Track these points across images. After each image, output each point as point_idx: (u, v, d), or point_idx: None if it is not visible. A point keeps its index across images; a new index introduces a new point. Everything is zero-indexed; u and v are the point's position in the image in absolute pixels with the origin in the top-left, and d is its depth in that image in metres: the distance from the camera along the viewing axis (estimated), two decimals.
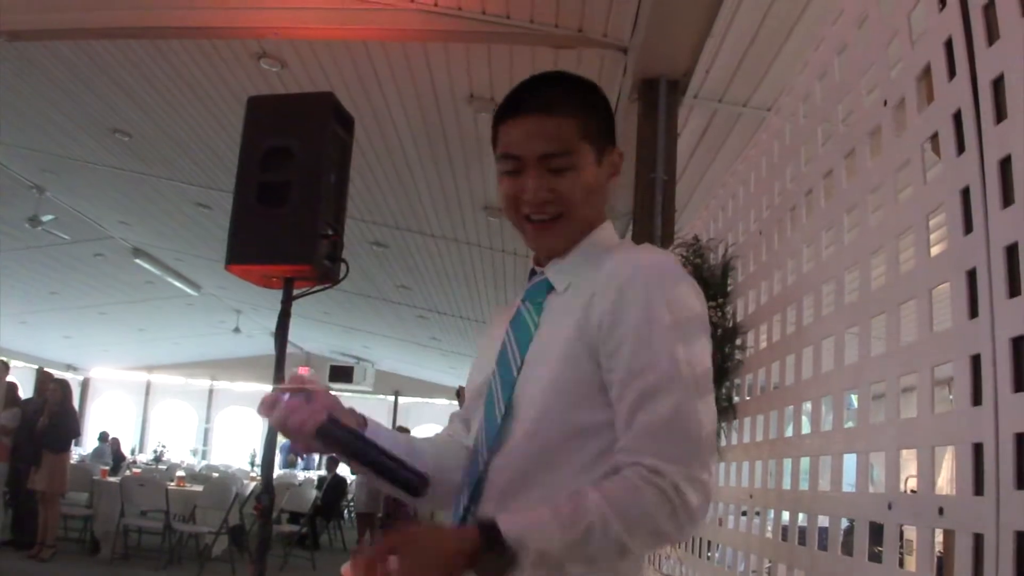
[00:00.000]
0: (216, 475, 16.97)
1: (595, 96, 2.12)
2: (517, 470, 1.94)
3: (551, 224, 2.06)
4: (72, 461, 13.18)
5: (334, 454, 2.11)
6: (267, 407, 1.97)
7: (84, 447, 23.23)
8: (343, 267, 4.72)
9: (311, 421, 1.91)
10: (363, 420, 2.10)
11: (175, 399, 33.32)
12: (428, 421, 30.81)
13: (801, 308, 3.10)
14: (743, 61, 6.11)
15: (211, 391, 33.17)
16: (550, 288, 2.12)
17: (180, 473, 15.47)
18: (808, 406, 2.99)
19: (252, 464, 23.42)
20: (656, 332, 1.83)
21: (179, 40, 7.35)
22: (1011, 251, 1.75)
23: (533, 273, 2.23)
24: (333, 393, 2.04)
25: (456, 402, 8.94)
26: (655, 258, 1.98)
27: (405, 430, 16.77)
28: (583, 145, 2.01)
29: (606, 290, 1.90)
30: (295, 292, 4.70)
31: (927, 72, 2.16)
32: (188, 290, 19.47)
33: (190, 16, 6.85)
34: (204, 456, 30.82)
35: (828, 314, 2.80)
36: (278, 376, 4.68)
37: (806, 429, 3.05)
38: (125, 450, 23.60)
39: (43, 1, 7.00)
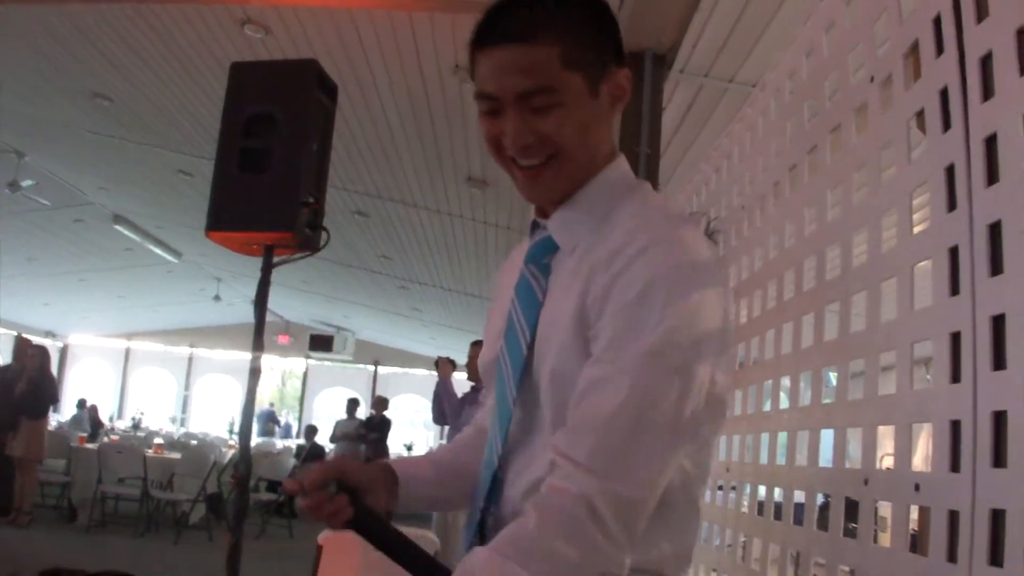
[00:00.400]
0: (194, 443, 16.97)
1: (585, 9, 1.77)
2: (544, 469, 1.65)
3: (542, 169, 1.76)
4: (50, 428, 13.17)
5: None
6: (293, 492, 1.83)
7: (62, 414, 23.18)
8: (324, 235, 4.72)
9: (337, 519, 1.79)
10: (393, 476, 1.97)
11: (154, 366, 33.34)
12: (407, 391, 30.97)
13: (782, 283, 3.10)
14: (730, 37, 6.10)
15: (190, 359, 33.19)
16: (556, 247, 1.84)
17: (158, 440, 15.50)
18: (786, 381, 2.99)
19: (230, 432, 23.42)
20: (638, 334, 1.55)
21: (162, 5, 7.30)
22: (994, 229, 1.74)
23: (536, 226, 1.93)
24: (356, 462, 1.91)
25: (435, 372, 8.93)
26: (671, 242, 1.64)
27: (384, 400, 16.88)
28: (569, 75, 1.69)
29: (608, 267, 1.63)
30: (275, 260, 4.70)
31: (914, 49, 2.16)
32: (168, 257, 19.46)
33: None
34: (183, 424, 30.85)
35: (809, 290, 2.80)
36: (257, 343, 4.67)
37: (784, 404, 3.05)
38: (103, 417, 23.56)
39: None
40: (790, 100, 3.28)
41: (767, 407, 3.23)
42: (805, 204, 2.94)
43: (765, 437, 3.18)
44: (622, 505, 1.48)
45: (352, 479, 1.84)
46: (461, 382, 8.75)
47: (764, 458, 3.18)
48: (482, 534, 1.80)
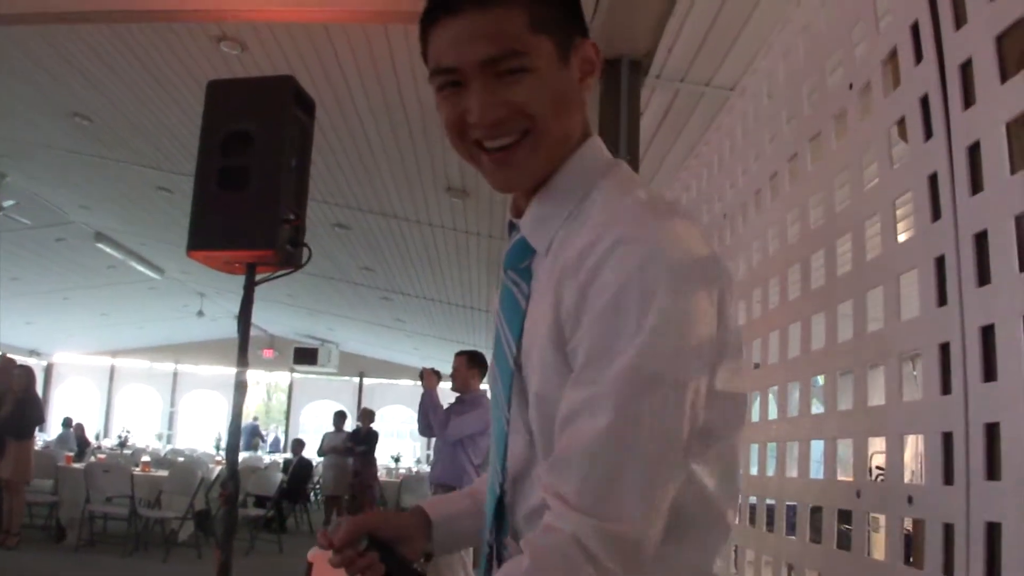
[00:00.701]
0: (181, 460, 16.92)
1: None
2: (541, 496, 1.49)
3: (516, 149, 1.57)
4: (36, 448, 13.12)
5: None
6: (324, 548, 1.74)
7: (48, 433, 23.10)
8: (305, 252, 4.70)
9: (370, 574, 1.70)
10: (427, 519, 1.88)
11: (139, 383, 33.25)
12: (393, 402, 30.95)
13: (767, 292, 3.09)
14: (705, 41, 6.09)
15: (175, 375, 33.08)
16: (533, 249, 1.65)
17: (145, 458, 15.43)
18: (775, 390, 2.98)
19: (217, 448, 23.36)
20: (616, 348, 1.38)
21: (139, 24, 7.29)
22: (980, 238, 1.73)
23: (512, 228, 1.73)
24: (380, 510, 1.89)
25: (420, 383, 8.88)
26: (644, 237, 1.42)
27: (371, 413, 16.82)
28: (538, 39, 1.53)
29: (577, 271, 1.44)
30: (258, 277, 4.68)
31: (893, 56, 2.15)
32: (151, 274, 19.42)
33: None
34: (169, 440, 30.79)
35: (795, 299, 2.78)
36: (241, 360, 4.66)
37: (773, 414, 3.04)
38: (90, 436, 23.46)
39: None
40: (768, 107, 3.27)
41: (755, 418, 3.21)
42: (787, 211, 2.92)
43: (754, 448, 3.15)
44: (618, 543, 1.35)
45: (384, 533, 1.77)
46: (447, 392, 8.71)
47: (754, 469, 3.16)
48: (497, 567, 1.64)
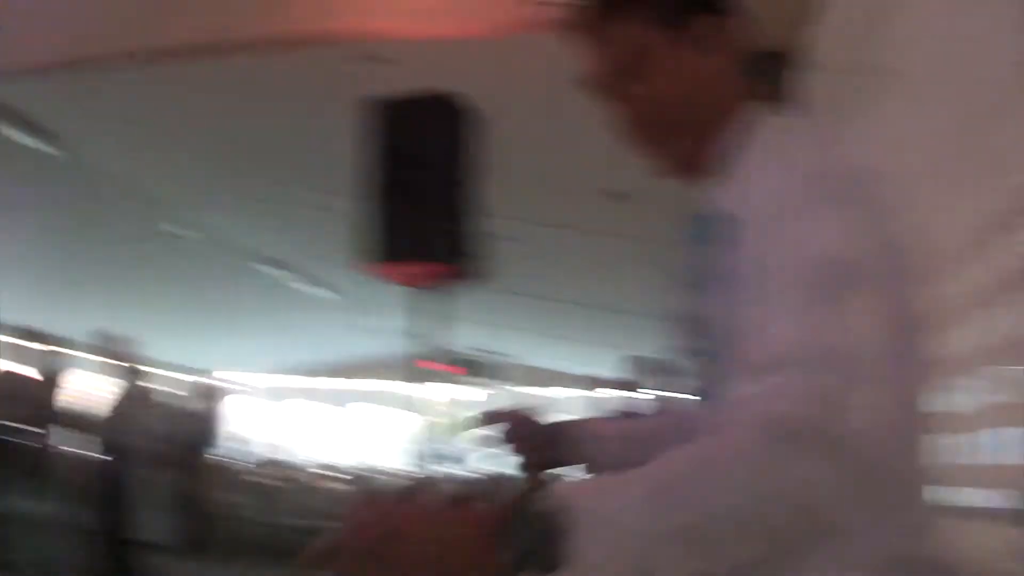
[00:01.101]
0: (359, 474, 17.20)
1: None
2: None
3: (645, 142, 1.70)
4: (216, 462, 13.54)
5: None
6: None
7: (227, 450, 23.71)
8: (485, 264, 4.74)
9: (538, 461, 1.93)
10: (562, 432, 2.00)
11: (311, 400, 33.72)
12: (561, 413, 30.77)
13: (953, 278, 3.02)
14: (857, 27, 5.99)
15: (344, 392, 33.47)
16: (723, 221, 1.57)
17: (323, 472, 15.73)
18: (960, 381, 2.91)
19: (403, 462, 23.62)
20: (764, 295, 1.33)
21: (287, 48, 7.42)
22: None
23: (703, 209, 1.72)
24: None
25: (594, 393, 8.86)
26: (784, 163, 1.47)
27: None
28: (649, 37, 1.62)
29: (729, 219, 1.50)
30: (438, 289, 4.73)
31: None
32: (318, 292, 19.67)
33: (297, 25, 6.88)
34: (344, 456, 31.19)
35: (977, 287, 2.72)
36: (418, 373, 4.73)
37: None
38: (266, 452, 24.01)
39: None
40: (933, 89, 3.21)
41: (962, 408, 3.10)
42: (960, 195, 2.87)
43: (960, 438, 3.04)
44: (817, 395, 1.18)
45: (521, 429, 1.96)
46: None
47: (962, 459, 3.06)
48: None
